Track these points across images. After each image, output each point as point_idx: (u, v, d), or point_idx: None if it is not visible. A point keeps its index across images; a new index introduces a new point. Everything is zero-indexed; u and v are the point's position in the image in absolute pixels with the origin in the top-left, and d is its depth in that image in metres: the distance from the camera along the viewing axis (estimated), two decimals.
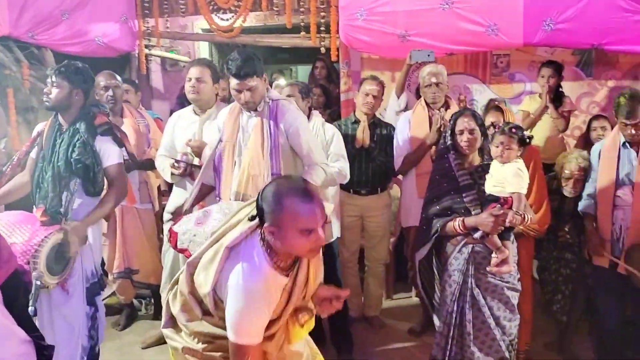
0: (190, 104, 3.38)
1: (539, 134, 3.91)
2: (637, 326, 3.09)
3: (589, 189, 3.14)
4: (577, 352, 3.43)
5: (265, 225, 1.72)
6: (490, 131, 2.86)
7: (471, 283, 2.70)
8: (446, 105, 3.60)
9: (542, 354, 3.43)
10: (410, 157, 3.55)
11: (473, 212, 2.67)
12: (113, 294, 3.93)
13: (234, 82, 2.66)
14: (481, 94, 4.48)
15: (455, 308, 2.74)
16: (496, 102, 3.56)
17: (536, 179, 3.11)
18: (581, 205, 3.17)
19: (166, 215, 3.15)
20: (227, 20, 4.69)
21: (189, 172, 3.16)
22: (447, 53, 4.11)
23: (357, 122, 3.69)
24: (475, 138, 2.70)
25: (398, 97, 4.05)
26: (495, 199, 2.60)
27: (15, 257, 1.43)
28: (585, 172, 3.15)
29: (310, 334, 2.10)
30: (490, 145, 2.70)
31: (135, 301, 4.05)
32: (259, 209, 1.76)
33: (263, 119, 2.74)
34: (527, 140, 2.69)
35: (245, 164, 2.71)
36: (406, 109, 4.00)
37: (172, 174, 3.19)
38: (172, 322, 2.03)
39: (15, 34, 4.10)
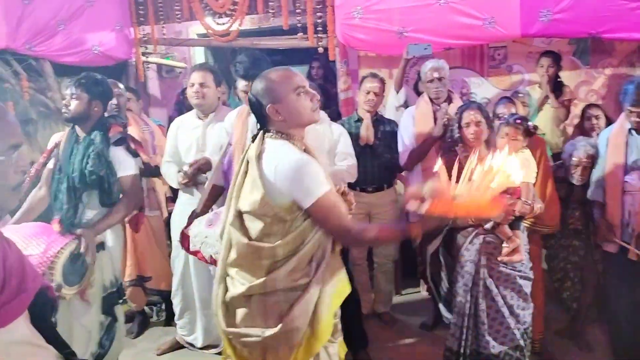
0: (187, 109, 3.38)
1: (541, 124, 3.93)
2: None
3: (596, 175, 3.17)
4: (588, 338, 3.47)
5: (268, 106, 1.86)
6: (496, 123, 2.90)
7: (484, 273, 2.74)
8: (449, 100, 3.62)
9: (554, 341, 3.46)
10: (416, 152, 3.56)
11: None
12: (124, 301, 3.92)
13: (242, 83, 2.68)
14: (479, 87, 4.51)
15: (468, 298, 2.78)
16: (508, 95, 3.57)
17: (541, 168, 3.13)
18: (590, 192, 3.20)
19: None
20: (223, 24, 4.70)
21: (194, 182, 3.16)
22: (444, 48, 4.13)
23: (359, 120, 3.71)
24: (482, 130, 2.74)
25: (397, 93, 4.08)
26: (504, 190, 2.63)
27: (40, 275, 1.42)
28: (593, 160, 3.18)
29: None
30: (496, 137, 2.73)
31: (146, 308, 4.05)
32: (255, 106, 1.90)
33: None
34: (532, 130, 2.72)
35: None
36: (405, 104, 4.03)
37: (179, 182, 3.20)
38: (231, 319, 1.99)
39: (12, 46, 4.10)
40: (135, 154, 2.86)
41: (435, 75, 3.53)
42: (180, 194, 3.39)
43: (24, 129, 4.31)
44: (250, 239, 1.90)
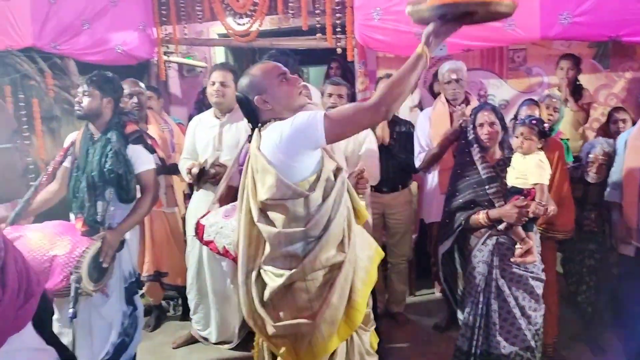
0: (207, 108, 3.43)
1: (560, 127, 3.92)
2: None
3: (614, 177, 3.15)
4: (602, 343, 3.44)
5: (256, 98, 1.97)
6: (511, 124, 2.90)
7: (496, 274, 2.75)
8: (466, 101, 3.63)
9: (569, 345, 3.44)
10: (432, 153, 3.58)
11: (496, 205, 2.72)
12: (142, 296, 4.00)
13: None
14: (498, 89, 4.51)
15: (480, 299, 2.78)
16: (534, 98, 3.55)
17: (558, 172, 3.13)
18: (607, 193, 3.18)
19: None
20: (244, 24, 4.76)
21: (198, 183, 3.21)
22: (463, 49, 4.13)
23: None
24: (496, 131, 2.76)
25: (411, 93, 4.08)
26: (518, 191, 2.64)
27: (41, 280, 1.43)
28: (610, 158, 3.16)
29: None
30: (511, 137, 2.73)
31: (163, 302, 4.13)
32: (244, 102, 2.01)
33: None
34: (547, 132, 2.72)
35: None
36: (419, 104, 4.04)
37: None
38: (276, 313, 2.01)
39: (38, 45, 4.18)
40: (152, 150, 2.93)
41: (453, 76, 3.54)
42: (195, 190, 3.45)
43: (48, 125, 4.43)
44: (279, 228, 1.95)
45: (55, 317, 2.79)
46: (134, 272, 2.93)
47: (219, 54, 5.59)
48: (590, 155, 3.22)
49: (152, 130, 3.69)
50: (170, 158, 3.74)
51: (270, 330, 1.99)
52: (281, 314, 1.97)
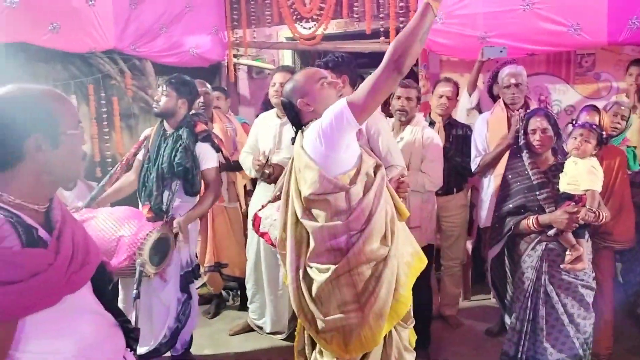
0: (272, 108, 3.59)
1: (627, 134, 3.79)
2: None
3: None
4: None
5: (298, 101, 2.11)
6: (568, 129, 2.87)
7: (545, 280, 2.73)
8: (526, 106, 3.59)
9: (626, 358, 3.33)
10: (488, 158, 3.56)
11: (547, 210, 2.70)
12: (204, 285, 4.23)
13: None
14: (564, 94, 4.39)
15: (528, 304, 2.77)
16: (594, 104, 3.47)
17: (618, 179, 3.05)
18: None
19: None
20: (309, 28, 4.91)
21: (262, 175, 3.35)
22: (527, 53, 4.09)
23: (432, 123, 3.76)
24: (549, 137, 2.74)
25: (470, 95, 4.08)
26: (569, 197, 2.62)
27: (99, 250, 1.60)
28: None
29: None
30: (568, 139, 2.71)
31: (223, 292, 4.34)
32: (288, 106, 2.16)
33: None
34: (604, 140, 2.68)
35: None
36: (477, 106, 4.02)
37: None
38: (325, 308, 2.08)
39: (119, 47, 4.48)
40: (218, 149, 3.13)
41: (512, 81, 3.52)
42: (258, 184, 3.61)
43: (126, 122, 4.76)
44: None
45: (119, 297, 3.05)
46: (190, 262, 3.14)
47: (287, 57, 5.77)
48: None
49: (217, 128, 3.90)
50: (233, 156, 3.92)
51: (320, 325, 2.07)
52: (330, 308, 2.05)
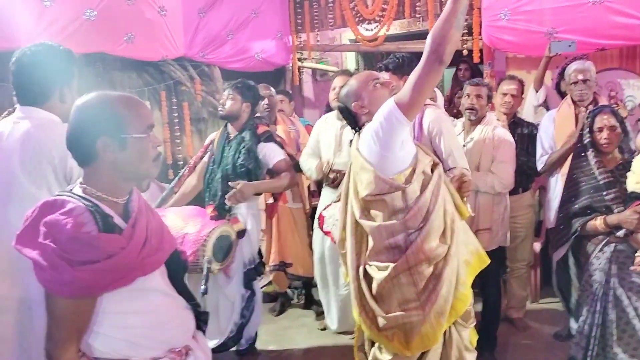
0: None
1: None
2: None
3: None
4: None
5: (353, 104, 2.17)
6: (637, 125, 2.76)
7: (614, 283, 2.63)
8: (594, 103, 3.47)
9: None
10: (555, 156, 3.47)
11: (615, 210, 2.62)
12: (270, 283, 4.36)
13: (384, 75, 2.86)
14: (639, 90, 4.20)
15: (597, 308, 2.68)
16: None
17: None
18: None
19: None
20: (372, 30, 4.95)
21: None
22: (597, 48, 3.95)
23: None
24: (617, 134, 2.64)
25: (537, 91, 3.98)
26: (639, 196, 2.52)
27: (175, 240, 1.78)
28: None
29: None
30: (632, 140, 2.61)
31: (289, 291, 4.44)
32: (345, 110, 2.22)
33: None
34: None
35: None
36: (545, 103, 3.92)
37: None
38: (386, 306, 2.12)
39: (189, 54, 4.68)
40: (281, 146, 3.23)
41: (580, 77, 3.42)
42: (324, 187, 3.66)
43: (196, 126, 4.96)
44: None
45: None
46: (253, 260, 3.24)
47: (350, 59, 5.83)
48: None
49: (280, 130, 4.01)
50: (296, 157, 4.01)
51: (382, 322, 2.10)
52: (391, 306, 2.08)
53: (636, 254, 2.56)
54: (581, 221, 2.72)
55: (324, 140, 3.56)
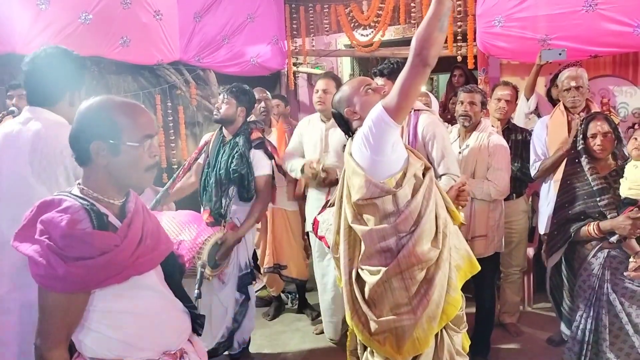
0: None
1: None
2: None
3: None
4: None
5: (345, 110, 2.17)
6: (630, 132, 2.79)
7: (607, 288, 2.65)
8: (587, 110, 3.49)
9: None
10: (548, 163, 3.49)
11: (609, 216, 2.63)
12: (264, 287, 4.35)
13: (379, 81, 2.87)
14: (632, 97, 4.24)
15: (590, 313, 2.70)
16: None
17: None
18: None
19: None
20: (367, 35, 4.97)
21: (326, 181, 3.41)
22: (590, 55, 3.98)
23: None
24: (610, 141, 2.67)
25: (527, 99, 4.00)
26: (631, 202, 2.54)
27: (172, 242, 1.78)
28: None
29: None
30: (625, 146, 2.63)
31: (282, 295, 4.44)
32: (338, 116, 2.22)
33: (403, 126, 2.86)
34: None
35: None
36: (536, 111, 3.94)
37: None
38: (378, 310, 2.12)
39: (184, 59, 4.67)
40: (271, 156, 3.23)
41: (572, 84, 3.44)
42: (310, 190, 3.66)
43: (191, 130, 4.96)
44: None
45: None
46: (248, 264, 3.24)
47: (345, 64, 5.85)
48: None
49: (275, 133, 4.02)
50: None
51: (374, 326, 2.10)
52: (383, 310, 2.09)
53: (629, 260, 2.58)
54: (575, 227, 2.73)
55: (307, 142, 3.56)
